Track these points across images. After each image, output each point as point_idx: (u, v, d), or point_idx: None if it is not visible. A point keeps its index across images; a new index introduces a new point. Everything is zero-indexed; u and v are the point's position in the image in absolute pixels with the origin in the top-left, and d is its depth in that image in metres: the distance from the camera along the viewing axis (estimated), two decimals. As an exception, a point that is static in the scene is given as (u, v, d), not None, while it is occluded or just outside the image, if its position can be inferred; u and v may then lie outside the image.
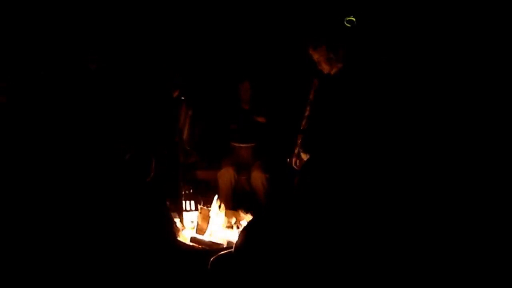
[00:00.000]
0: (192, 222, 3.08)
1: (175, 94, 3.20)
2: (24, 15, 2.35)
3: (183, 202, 3.33)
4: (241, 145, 3.82)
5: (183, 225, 3.09)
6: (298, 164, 3.04)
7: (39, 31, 2.32)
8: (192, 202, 3.41)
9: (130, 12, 3.14)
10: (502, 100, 2.80)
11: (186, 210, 3.27)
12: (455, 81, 2.95)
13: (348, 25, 2.88)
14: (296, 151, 3.09)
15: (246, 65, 3.99)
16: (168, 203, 3.00)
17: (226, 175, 3.65)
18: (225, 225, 3.08)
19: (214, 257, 2.02)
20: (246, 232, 1.89)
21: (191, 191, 3.48)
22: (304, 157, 3.11)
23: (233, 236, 2.90)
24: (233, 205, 3.44)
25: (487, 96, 2.84)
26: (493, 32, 2.85)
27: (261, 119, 3.79)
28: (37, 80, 2.22)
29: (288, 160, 3.40)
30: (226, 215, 3.14)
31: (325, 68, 2.87)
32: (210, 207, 3.11)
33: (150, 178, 2.58)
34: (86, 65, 2.43)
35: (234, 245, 1.87)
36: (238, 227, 3.03)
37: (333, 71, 2.86)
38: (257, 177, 3.63)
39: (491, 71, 2.84)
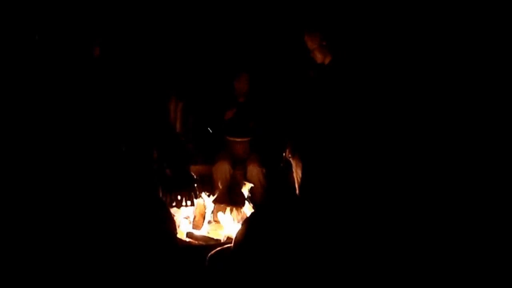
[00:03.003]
0: (188, 217, 3.03)
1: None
2: (23, 14, 2.30)
3: (179, 197, 3.27)
4: (237, 139, 3.76)
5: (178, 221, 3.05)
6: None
7: (38, 30, 2.28)
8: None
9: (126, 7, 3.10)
10: (500, 99, 2.80)
11: (182, 205, 3.21)
12: (453, 78, 2.95)
13: None
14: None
15: (243, 58, 3.95)
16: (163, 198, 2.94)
17: (221, 170, 3.60)
18: (223, 220, 3.04)
19: (212, 252, 1.98)
20: (247, 226, 1.85)
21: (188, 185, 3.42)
22: (293, 162, 3.13)
23: (231, 230, 2.87)
24: (229, 200, 3.40)
25: (485, 94, 2.85)
26: (493, 30, 2.85)
27: (250, 124, 3.74)
28: (37, 80, 2.18)
29: (284, 154, 3.38)
30: (222, 209, 3.11)
31: (318, 57, 2.87)
32: (206, 201, 3.08)
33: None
34: (88, 51, 2.36)
35: (234, 240, 1.83)
36: (235, 222, 3.00)
37: (327, 61, 2.87)
38: (254, 172, 3.58)
39: (490, 69, 2.85)
